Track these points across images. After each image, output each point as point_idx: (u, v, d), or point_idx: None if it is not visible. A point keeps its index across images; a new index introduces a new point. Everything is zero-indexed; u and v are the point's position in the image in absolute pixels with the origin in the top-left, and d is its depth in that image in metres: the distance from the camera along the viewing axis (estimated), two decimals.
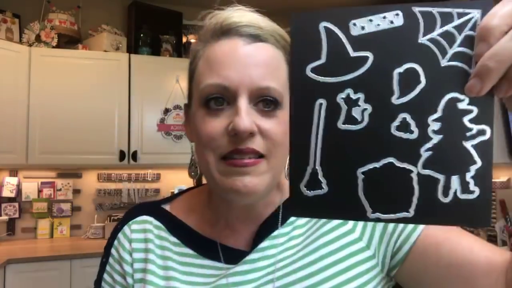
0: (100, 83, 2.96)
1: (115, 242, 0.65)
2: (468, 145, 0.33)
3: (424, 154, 0.34)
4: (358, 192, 0.35)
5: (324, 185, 0.36)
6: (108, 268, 0.65)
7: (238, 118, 0.50)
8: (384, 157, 0.35)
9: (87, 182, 3.25)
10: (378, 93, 0.34)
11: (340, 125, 0.35)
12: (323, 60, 0.35)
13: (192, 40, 3.49)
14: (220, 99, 0.52)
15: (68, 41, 3.10)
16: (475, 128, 0.33)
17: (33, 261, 2.52)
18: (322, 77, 0.35)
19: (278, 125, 0.53)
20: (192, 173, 0.63)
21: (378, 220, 0.35)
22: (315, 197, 0.36)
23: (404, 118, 0.34)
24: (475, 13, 0.33)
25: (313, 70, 0.35)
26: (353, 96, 0.35)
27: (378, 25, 0.34)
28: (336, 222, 0.60)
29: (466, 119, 0.34)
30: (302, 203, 0.36)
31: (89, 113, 2.92)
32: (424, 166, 0.34)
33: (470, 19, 0.33)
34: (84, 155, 2.91)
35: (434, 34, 0.34)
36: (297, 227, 0.62)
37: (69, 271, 2.59)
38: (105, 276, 0.65)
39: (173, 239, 0.63)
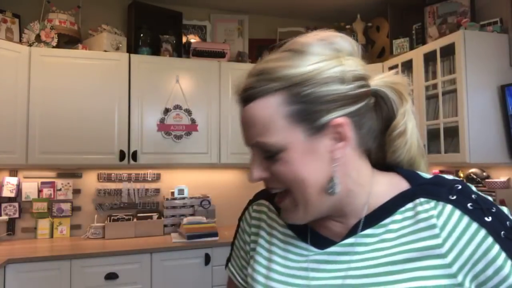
0: (100, 83, 2.96)
1: (243, 217, 0.85)
2: None
3: None
4: None
5: None
6: (238, 235, 0.86)
7: (249, 171, 0.66)
8: None
9: (87, 182, 3.25)
10: None
11: None
12: None
13: (192, 40, 3.49)
14: None
15: (68, 41, 3.10)
16: None
17: (33, 261, 2.51)
18: None
19: (282, 166, 0.62)
20: None
21: None
22: None
23: None
24: None
25: None
26: None
27: None
28: (427, 233, 0.60)
29: None
30: None
31: (89, 113, 2.92)
32: None
33: None
34: (84, 155, 2.91)
35: None
36: (390, 231, 0.63)
37: (69, 271, 2.59)
38: (237, 239, 0.86)
39: (281, 222, 0.76)
